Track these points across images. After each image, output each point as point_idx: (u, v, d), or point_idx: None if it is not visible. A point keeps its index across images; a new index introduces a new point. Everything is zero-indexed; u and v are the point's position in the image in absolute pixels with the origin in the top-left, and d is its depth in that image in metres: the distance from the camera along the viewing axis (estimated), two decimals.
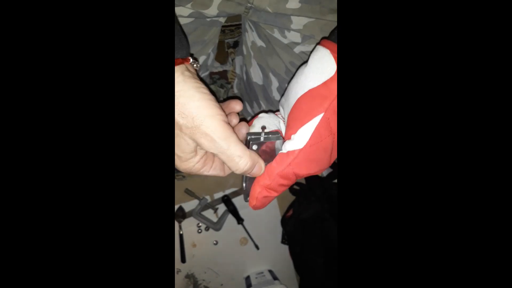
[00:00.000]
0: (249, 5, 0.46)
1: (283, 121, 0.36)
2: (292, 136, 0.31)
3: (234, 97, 0.38)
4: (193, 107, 0.27)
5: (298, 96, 0.32)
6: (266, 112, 0.37)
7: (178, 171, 0.96)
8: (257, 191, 0.32)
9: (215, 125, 0.27)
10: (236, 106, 0.36)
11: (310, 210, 0.88)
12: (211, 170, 0.33)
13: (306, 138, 0.30)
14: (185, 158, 0.29)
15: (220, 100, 0.34)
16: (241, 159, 0.29)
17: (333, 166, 0.98)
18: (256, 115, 0.37)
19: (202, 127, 0.27)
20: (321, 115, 0.30)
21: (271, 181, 0.31)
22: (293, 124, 0.32)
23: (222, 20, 0.51)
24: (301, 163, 0.31)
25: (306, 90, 0.31)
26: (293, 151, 0.30)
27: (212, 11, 0.45)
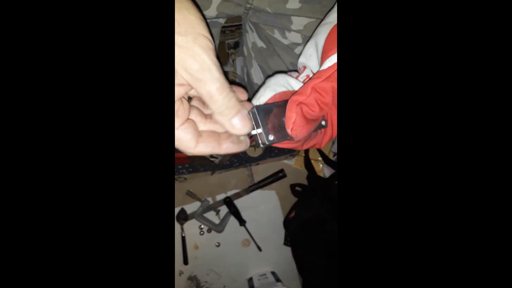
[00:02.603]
0: (248, 5, 0.45)
1: (298, 77, 0.33)
2: (332, 57, 0.28)
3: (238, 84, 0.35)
4: (190, 19, 0.23)
5: (331, 26, 0.30)
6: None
7: (180, 174, 0.97)
8: (293, 110, 0.27)
9: (209, 45, 0.23)
10: (241, 95, 0.33)
11: (312, 211, 0.88)
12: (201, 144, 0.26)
13: None
14: None
15: None
16: (230, 91, 0.24)
17: (335, 167, 0.97)
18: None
19: (194, 46, 0.22)
20: None
21: (306, 95, 0.27)
22: (331, 46, 0.29)
23: (222, 21, 0.51)
24: None
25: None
26: (334, 64, 0.27)
27: (211, 12, 0.45)
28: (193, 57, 0.22)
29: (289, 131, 0.28)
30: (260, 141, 0.28)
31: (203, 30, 0.23)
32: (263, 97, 0.30)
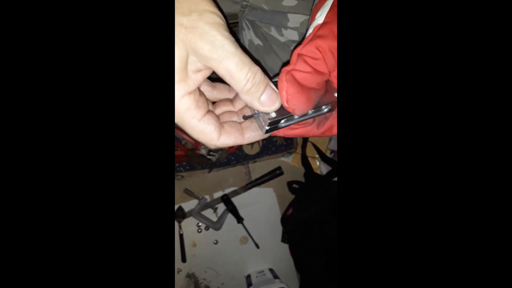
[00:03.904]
0: (244, 3, 0.45)
1: None
2: (311, 25, 0.28)
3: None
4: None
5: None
6: None
7: (177, 172, 0.97)
8: (283, 79, 0.24)
9: (217, 21, 0.21)
10: (225, 93, 0.31)
11: (310, 209, 0.88)
12: (224, 136, 0.25)
13: (324, 14, 0.26)
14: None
15: None
16: (252, 66, 0.22)
17: (332, 164, 0.97)
18: None
19: (200, 24, 0.21)
20: None
21: (293, 63, 0.25)
22: (312, 17, 0.29)
23: None
24: (324, 34, 0.25)
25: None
26: (314, 28, 0.26)
27: None
28: (202, 36, 0.20)
29: (284, 104, 0.24)
30: (263, 123, 0.26)
31: (209, 6, 0.21)
32: None
